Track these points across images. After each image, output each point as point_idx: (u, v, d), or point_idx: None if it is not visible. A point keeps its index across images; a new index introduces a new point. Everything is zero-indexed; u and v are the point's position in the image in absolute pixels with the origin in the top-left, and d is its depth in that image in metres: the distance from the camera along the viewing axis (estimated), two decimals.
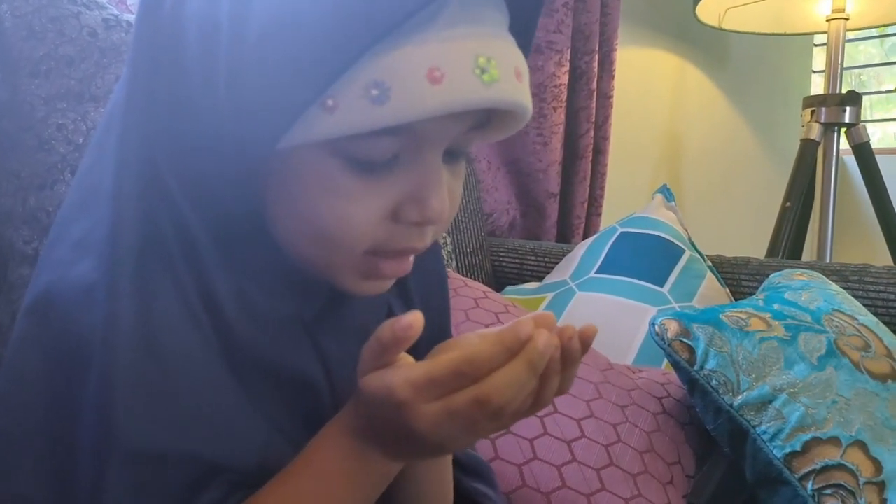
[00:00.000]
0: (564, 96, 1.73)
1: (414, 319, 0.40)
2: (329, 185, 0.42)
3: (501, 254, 1.56)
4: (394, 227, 0.45)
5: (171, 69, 0.43)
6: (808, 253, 2.03)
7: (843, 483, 0.83)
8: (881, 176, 1.91)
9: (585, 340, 0.43)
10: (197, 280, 0.44)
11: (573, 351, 0.42)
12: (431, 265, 0.61)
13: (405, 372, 0.41)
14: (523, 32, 0.45)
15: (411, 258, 0.48)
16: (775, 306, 1.00)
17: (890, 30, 2.60)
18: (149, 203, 0.43)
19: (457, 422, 0.40)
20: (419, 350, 0.44)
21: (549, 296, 1.30)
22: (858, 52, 2.81)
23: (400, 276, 0.48)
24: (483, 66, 0.40)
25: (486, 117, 0.45)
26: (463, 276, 1.30)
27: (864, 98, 2.00)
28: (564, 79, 1.72)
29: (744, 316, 0.96)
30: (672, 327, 0.93)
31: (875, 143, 1.95)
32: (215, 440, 0.43)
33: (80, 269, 0.42)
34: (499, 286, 1.48)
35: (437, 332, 0.47)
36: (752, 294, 1.25)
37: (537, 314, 0.42)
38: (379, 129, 0.39)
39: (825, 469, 0.83)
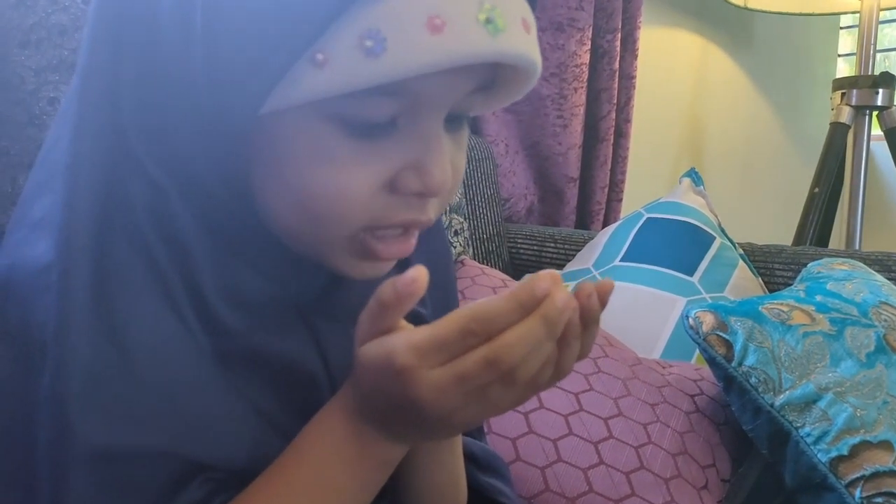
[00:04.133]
0: (586, 76, 1.67)
1: (418, 274, 0.36)
2: (320, 152, 0.39)
3: (519, 240, 1.50)
4: (391, 198, 0.41)
5: (140, 26, 0.39)
6: (836, 240, 1.96)
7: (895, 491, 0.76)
8: None
9: (603, 297, 0.39)
10: (179, 263, 0.40)
11: (592, 310, 0.38)
12: (436, 246, 0.57)
13: (407, 335, 0.37)
14: None
15: (413, 239, 0.44)
16: (818, 298, 0.94)
17: None
18: (117, 178, 0.39)
19: (465, 388, 0.37)
20: None
21: (571, 285, 1.24)
22: (883, 35, 2.72)
23: (401, 257, 0.44)
24: (488, 14, 0.36)
25: (491, 78, 0.41)
26: (479, 262, 1.25)
27: None
28: (585, 58, 1.66)
29: (785, 308, 0.90)
30: (708, 320, 0.87)
31: None
32: (195, 436, 0.39)
33: (38, 250, 0.38)
34: (516, 274, 1.42)
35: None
36: (786, 284, 1.19)
37: (550, 272, 0.37)
38: (375, 88, 0.36)
39: (875, 475, 0.77)
